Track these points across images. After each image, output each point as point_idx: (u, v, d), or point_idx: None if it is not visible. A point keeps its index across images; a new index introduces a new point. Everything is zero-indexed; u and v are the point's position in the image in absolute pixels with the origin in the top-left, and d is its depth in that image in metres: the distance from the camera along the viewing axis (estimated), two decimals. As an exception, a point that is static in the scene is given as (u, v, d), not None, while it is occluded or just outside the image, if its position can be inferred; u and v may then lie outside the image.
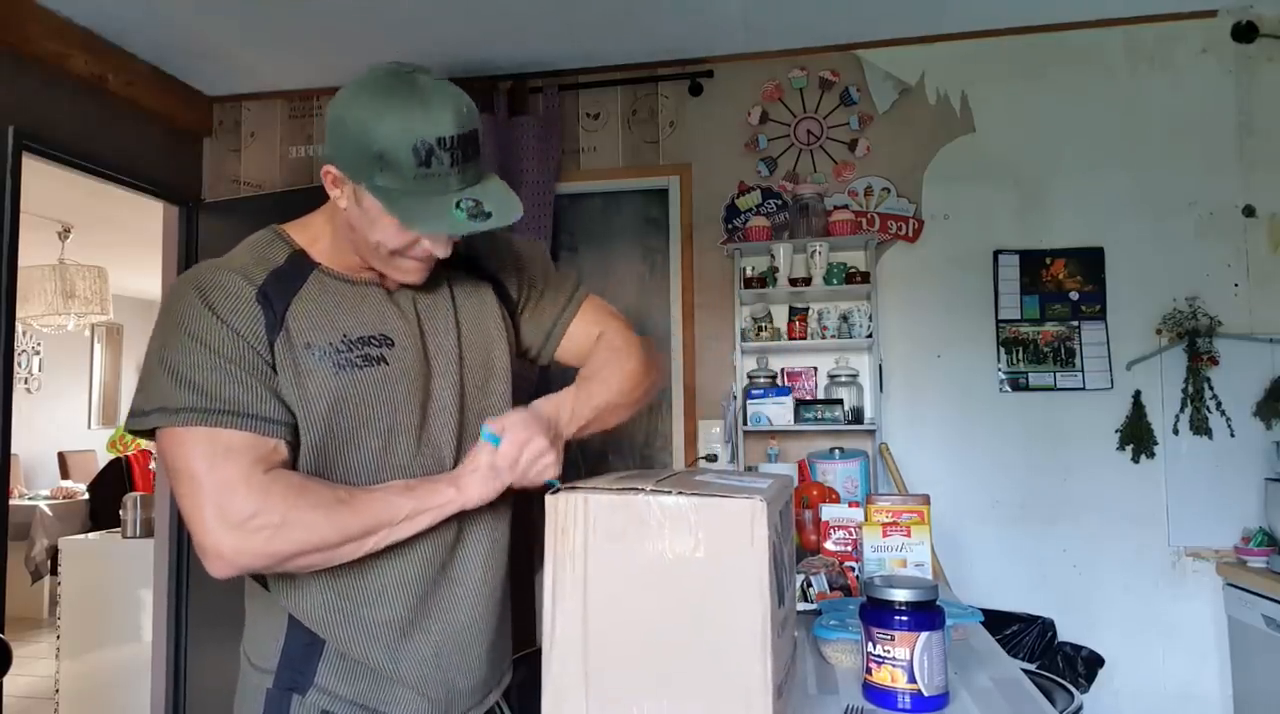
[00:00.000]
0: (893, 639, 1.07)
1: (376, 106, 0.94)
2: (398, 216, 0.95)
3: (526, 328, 1.27)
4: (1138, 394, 2.74)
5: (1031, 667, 2.00)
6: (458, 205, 0.96)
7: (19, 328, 5.07)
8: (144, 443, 5.71)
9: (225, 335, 0.96)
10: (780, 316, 2.95)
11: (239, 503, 0.92)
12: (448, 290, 1.16)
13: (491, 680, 1.18)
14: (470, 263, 1.20)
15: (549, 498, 0.95)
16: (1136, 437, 2.73)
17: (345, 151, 0.97)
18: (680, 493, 0.91)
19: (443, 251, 1.02)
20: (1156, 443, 2.72)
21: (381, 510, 0.99)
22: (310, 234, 1.08)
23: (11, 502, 3.63)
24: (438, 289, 1.15)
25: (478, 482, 1.02)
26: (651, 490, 0.93)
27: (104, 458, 5.97)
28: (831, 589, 1.65)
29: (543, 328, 1.27)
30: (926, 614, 1.07)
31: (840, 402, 2.80)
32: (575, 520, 0.93)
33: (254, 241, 1.07)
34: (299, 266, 1.05)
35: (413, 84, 0.95)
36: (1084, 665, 2.13)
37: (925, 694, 1.07)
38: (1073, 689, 1.59)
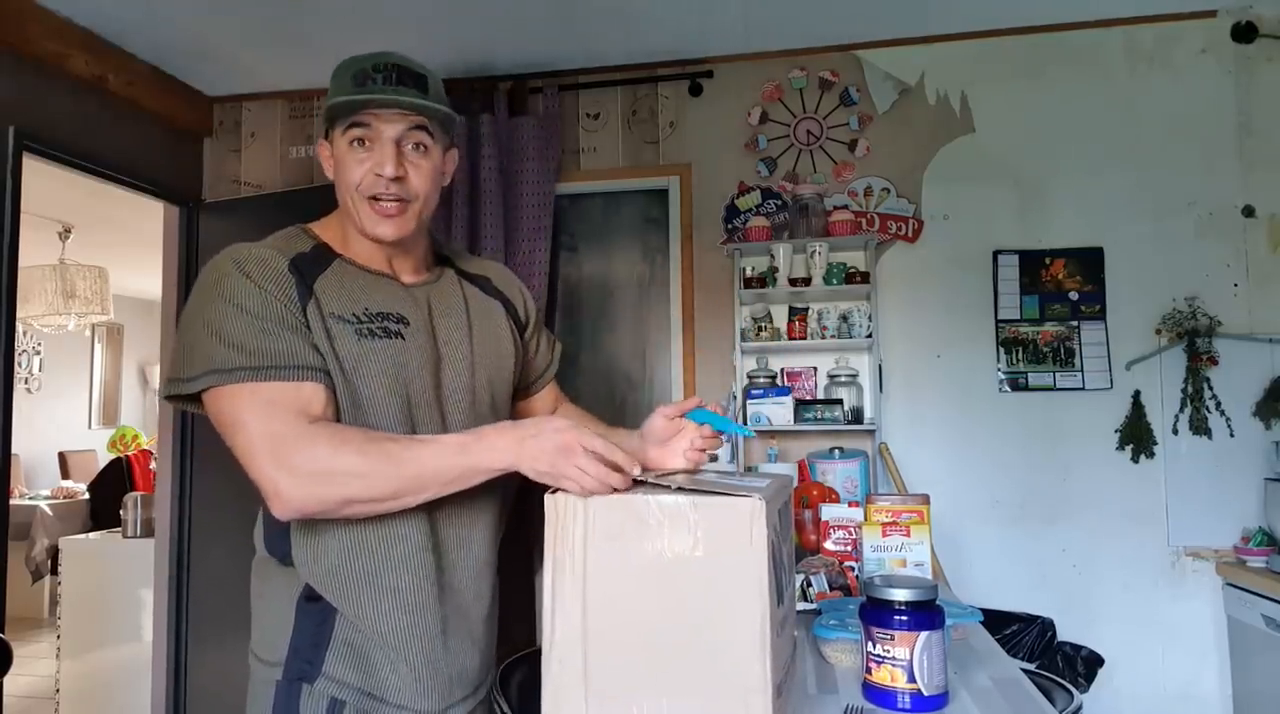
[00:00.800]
0: (892, 639, 1.08)
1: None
2: (340, 96, 1.07)
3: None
4: (1137, 394, 2.74)
5: (1031, 666, 2.00)
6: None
7: (19, 328, 5.08)
8: (144, 442, 5.72)
9: (264, 299, 1.03)
10: (780, 317, 2.95)
11: (288, 450, 0.97)
12: (461, 297, 1.24)
13: (484, 671, 1.21)
14: (482, 283, 1.29)
15: (548, 497, 0.95)
16: (1136, 436, 2.73)
17: (324, 118, 1.13)
18: (679, 492, 0.91)
19: (390, 168, 1.08)
20: (1156, 443, 2.72)
21: (429, 465, 0.99)
22: (331, 231, 1.17)
23: (12, 501, 3.63)
24: (452, 294, 1.23)
25: (533, 451, 0.97)
26: (650, 489, 0.93)
27: (104, 458, 5.98)
28: (831, 589, 1.65)
29: (529, 373, 1.39)
30: (926, 614, 1.07)
31: (840, 402, 2.79)
32: (574, 519, 0.93)
33: (281, 234, 1.16)
34: (322, 255, 1.13)
35: (380, 51, 1.11)
36: (1084, 665, 2.13)
37: (925, 694, 1.07)
38: (1072, 689, 1.58)
